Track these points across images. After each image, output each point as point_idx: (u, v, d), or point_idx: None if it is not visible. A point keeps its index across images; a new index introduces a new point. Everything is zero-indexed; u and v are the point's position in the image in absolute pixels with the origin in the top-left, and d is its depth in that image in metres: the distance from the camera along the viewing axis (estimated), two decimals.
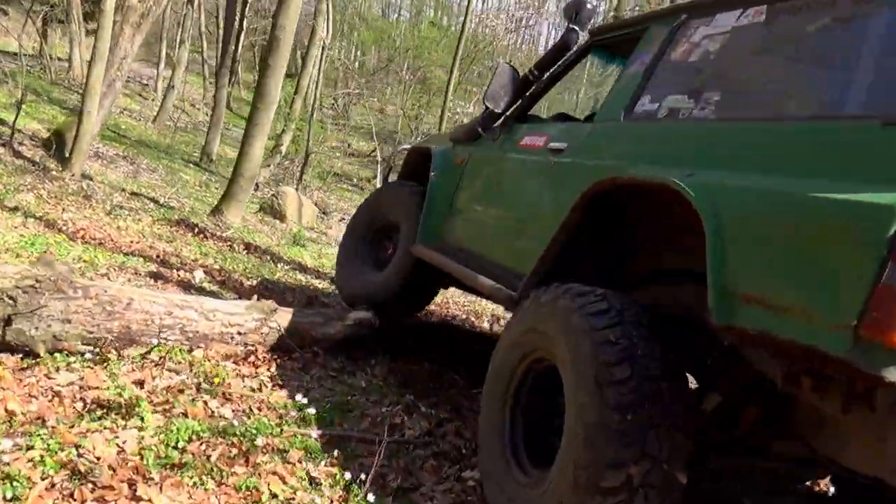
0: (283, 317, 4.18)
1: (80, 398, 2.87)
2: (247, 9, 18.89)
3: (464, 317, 6.30)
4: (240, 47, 16.65)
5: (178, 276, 5.35)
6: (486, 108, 3.80)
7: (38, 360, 3.16)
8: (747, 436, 2.39)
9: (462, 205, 4.00)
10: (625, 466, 1.98)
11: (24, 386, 2.86)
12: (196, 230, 7.89)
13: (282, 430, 2.89)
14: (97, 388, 3.01)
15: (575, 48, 3.66)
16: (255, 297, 4.36)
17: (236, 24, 17.33)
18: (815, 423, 2.08)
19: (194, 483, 2.42)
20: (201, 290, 5.15)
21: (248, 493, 2.43)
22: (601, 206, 2.59)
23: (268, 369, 3.71)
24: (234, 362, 3.76)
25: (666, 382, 2.11)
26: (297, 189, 12.74)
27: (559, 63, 3.74)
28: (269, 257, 7.39)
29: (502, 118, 3.85)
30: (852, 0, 2.28)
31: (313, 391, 3.50)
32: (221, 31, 24.55)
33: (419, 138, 19.30)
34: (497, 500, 2.54)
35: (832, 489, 3.10)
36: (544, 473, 2.39)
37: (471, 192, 3.95)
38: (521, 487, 2.46)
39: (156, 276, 5.19)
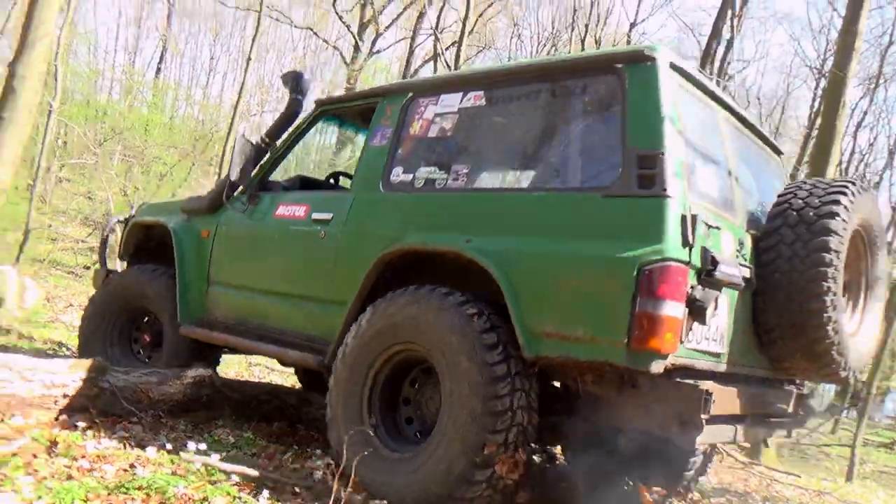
0: (116, 377, 3.55)
1: None
2: None
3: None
4: None
5: None
6: (229, 179, 3.83)
7: None
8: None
9: (223, 279, 3.94)
10: (502, 432, 2.55)
11: None
12: None
13: (188, 481, 2.45)
14: None
15: (305, 116, 3.95)
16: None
17: None
18: (595, 405, 2.81)
19: None
20: None
21: None
22: (387, 271, 3.04)
23: (113, 433, 3.10)
24: (66, 428, 3.08)
25: (527, 377, 2.67)
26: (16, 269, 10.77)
27: (292, 130, 3.97)
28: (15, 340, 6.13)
29: (245, 188, 3.89)
30: (550, 94, 2.97)
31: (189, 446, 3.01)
32: None
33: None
34: (370, 481, 2.76)
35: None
36: (413, 447, 2.80)
37: (230, 265, 3.92)
38: (389, 461, 2.78)
39: None
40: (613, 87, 2.71)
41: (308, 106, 4.06)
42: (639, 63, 2.67)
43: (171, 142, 22.73)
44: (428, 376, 2.96)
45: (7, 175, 7.85)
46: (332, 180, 4.43)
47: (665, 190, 2.45)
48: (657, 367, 2.39)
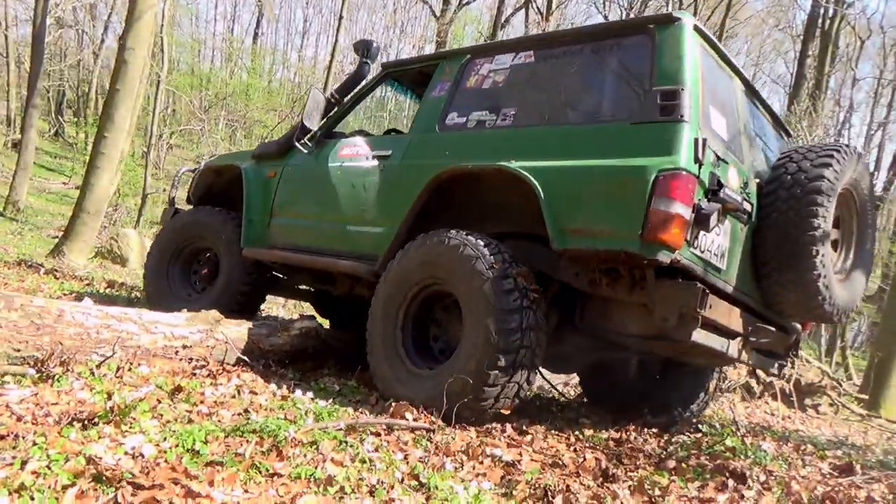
0: (229, 328, 3.76)
1: (45, 413, 2.34)
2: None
3: None
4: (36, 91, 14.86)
5: None
6: (302, 125, 4.28)
7: None
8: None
9: (285, 211, 4.45)
10: (513, 352, 3.00)
11: None
12: (43, 270, 6.87)
13: (298, 427, 2.56)
14: (56, 403, 2.48)
15: (369, 77, 4.44)
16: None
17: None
18: (605, 312, 3.27)
19: (244, 478, 2.06)
20: None
21: (312, 480, 2.12)
22: (438, 192, 3.51)
23: (229, 380, 3.29)
24: (186, 377, 3.29)
25: (533, 304, 3.09)
26: (137, 231, 11.59)
27: (358, 89, 4.47)
28: (138, 294, 6.61)
29: (313, 135, 4.36)
30: (591, 52, 3.45)
31: (297, 394, 3.16)
32: (15, 73, 22.09)
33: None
34: (391, 387, 3.31)
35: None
36: (436, 365, 3.30)
37: (294, 199, 4.43)
38: (414, 376, 3.30)
39: None
40: (645, 43, 3.19)
41: (375, 70, 4.57)
42: (667, 24, 3.17)
43: (271, 105, 23.49)
44: (454, 307, 3.33)
45: (125, 144, 8.39)
46: (390, 134, 4.86)
47: (682, 116, 2.93)
48: (664, 257, 2.83)
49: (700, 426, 3.89)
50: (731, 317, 3.20)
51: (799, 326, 3.90)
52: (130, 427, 2.29)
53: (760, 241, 3.33)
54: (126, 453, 2.10)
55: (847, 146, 3.38)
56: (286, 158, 4.53)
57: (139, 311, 3.46)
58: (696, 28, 3.17)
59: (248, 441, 2.34)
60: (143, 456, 2.09)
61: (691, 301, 2.89)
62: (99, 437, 2.17)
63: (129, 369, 3.03)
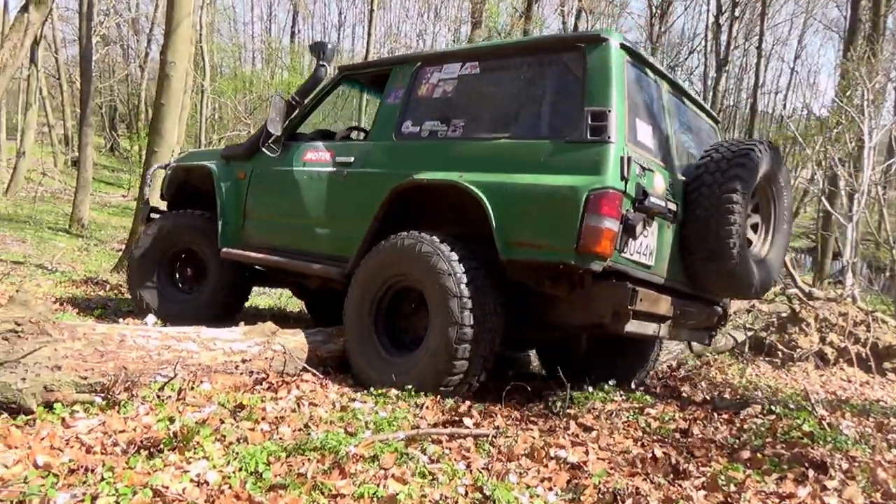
0: (286, 339, 3.79)
1: (113, 442, 2.39)
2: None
3: None
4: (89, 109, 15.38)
5: (128, 322, 4.73)
6: (266, 131, 4.55)
7: (33, 417, 2.61)
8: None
9: (257, 213, 4.72)
10: (474, 342, 3.41)
11: (41, 440, 2.34)
12: (109, 287, 7.10)
13: (358, 440, 2.56)
14: (124, 431, 2.53)
15: (327, 80, 4.68)
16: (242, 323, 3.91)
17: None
18: (549, 305, 3.64)
19: (307, 501, 2.06)
20: None
21: (375, 499, 2.10)
22: (399, 199, 3.84)
23: (288, 392, 3.32)
24: (248, 391, 3.34)
25: (494, 299, 3.52)
26: None
27: (317, 91, 4.69)
28: None
29: (277, 139, 4.61)
30: (530, 65, 3.77)
31: (357, 404, 3.16)
32: (68, 92, 22.88)
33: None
34: (366, 373, 3.70)
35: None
36: (407, 354, 3.69)
37: (264, 201, 4.71)
38: (387, 362, 3.68)
39: None
40: (578, 61, 3.53)
41: (332, 71, 4.91)
42: (596, 43, 3.50)
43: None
44: (420, 302, 3.69)
45: (177, 149, 8.57)
46: (350, 133, 4.99)
47: (609, 137, 3.28)
48: (597, 266, 3.24)
49: (773, 407, 3.74)
50: (661, 304, 3.56)
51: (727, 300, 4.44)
52: (195, 452, 2.32)
53: (686, 235, 3.71)
54: (191, 481, 2.13)
55: (760, 143, 3.75)
56: (254, 161, 4.77)
57: (197, 329, 3.52)
58: (623, 46, 3.51)
59: (309, 460, 2.35)
60: (207, 483, 2.12)
61: (623, 300, 3.29)
62: (164, 466, 2.20)
63: (192, 388, 3.09)
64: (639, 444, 2.97)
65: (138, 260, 5.13)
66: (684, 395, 4.49)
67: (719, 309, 4.32)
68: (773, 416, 3.48)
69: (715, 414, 3.62)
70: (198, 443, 2.36)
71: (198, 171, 5.17)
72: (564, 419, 3.26)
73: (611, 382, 4.09)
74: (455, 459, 2.53)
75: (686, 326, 4.02)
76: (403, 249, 3.65)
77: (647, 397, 3.93)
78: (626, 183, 3.25)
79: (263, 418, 2.84)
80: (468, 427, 2.89)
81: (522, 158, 3.51)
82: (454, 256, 3.50)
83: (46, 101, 22.60)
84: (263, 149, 4.55)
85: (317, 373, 3.70)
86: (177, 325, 4.66)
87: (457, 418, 2.99)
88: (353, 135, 5.08)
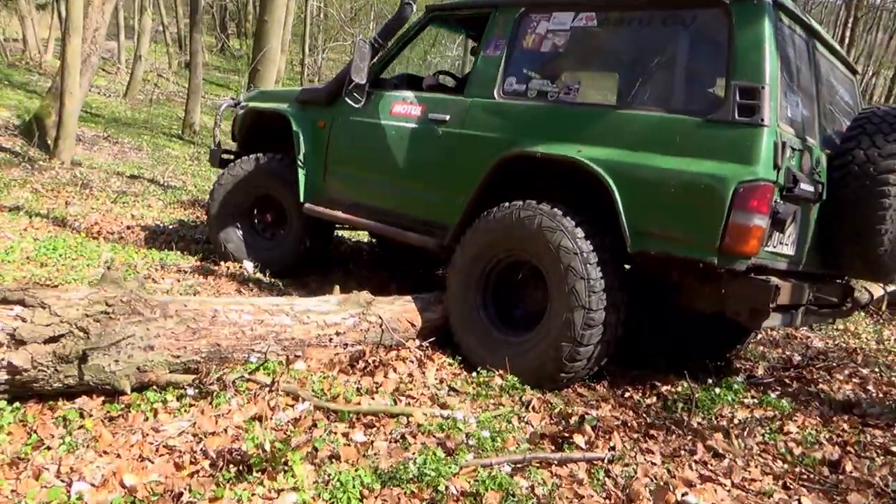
0: (382, 308, 3.56)
1: (202, 452, 2.25)
2: None
3: None
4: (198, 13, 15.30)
5: (227, 269, 4.67)
6: (349, 78, 4.03)
7: (126, 403, 2.52)
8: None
9: (341, 166, 4.33)
10: (601, 328, 3.13)
11: (130, 447, 2.22)
12: None
13: (459, 466, 2.30)
14: (214, 433, 2.39)
15: (414, 20, 4.21)
16: (337, 288, 3.69)
17: None
18: (675, 289, 3.25)
19: None
20: (258, 284, 4.50)
21: None
22: (501, 171, 3.47)
23: (385, 375, 3.11)
24: (342, 371, 3.16)
25: (619, 281, 3.20)
26: None
27: (402, 33, 4.25)
28: None
29: (361, 88, 4.11)
30: (660, 22, 3.22)
31: (460, 405, 2.91)
32: None
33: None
34: (477, 353, 3.43)
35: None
36: (521, 333, 3.39)
37: (348, 154, 4.30)
38: (498, 342, 3.41)
39: (203, 273, 4.51)
40: (720, 21, 3.00)
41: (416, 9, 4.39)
42: (745, 1, 2.94)
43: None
44: (533, 272, 3.38)
45: (281, 63, 8.36)
46: (438, 80, 4.56)
47: (763, 120, 2.81)
48: (741, 265, 2.88)
49: None
50: (800, 294, 3.25)
51: None
52: (284, 476, 2.14)
53: (829, 216, 3.35)
54: None
55: None
56: (335, 109, 4.37)
57: (290, 300, 3.34)
58: (776, 3, 2.97)
59: (405, 493, 2.12)
60: None
61: (764, 298, 2.91)
62: (252, 497, 2.03)
63: (287, 369, 2.93)
64: (780, 483, 2.56)
65: (217, 208, 4.89)
66: (821, 387, 3.96)
67: (843, 283, 3.94)
68: None
69: (866, 430, 3.13)
70: (286, 466, 2.17)
71: (271, 115, 4.82)
72: (689, 436, 2.87)
73: (738, 379, 3.64)
74: (567, 499, 2.23)
75: (817, 313, 3.71)
76: (520, 222, 3.29)
77: (784, 402, 3.45)
78: (778, 172, 2.83)
79: (357, 419, 2.64)
80: (580, 448, 2.57)
81: (652, 135, 3.05)
82: (579, 233, 3.15)
83: (161, 0, 22.91)
84: (347, 99, 4.13)
85: (413, 349, 3.46)
86: (262, 267, 4.70)
87: (566, 434, 2.67)
88: (442, 81, 4.65)
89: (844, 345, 5.34)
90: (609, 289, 3.12)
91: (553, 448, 2.61)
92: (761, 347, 4.93)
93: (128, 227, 5.75)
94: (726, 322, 3.82)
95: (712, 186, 2.80)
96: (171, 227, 6.06)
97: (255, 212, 4.98)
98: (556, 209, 3.23)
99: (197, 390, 2.66)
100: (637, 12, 3.32)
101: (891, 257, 3.35)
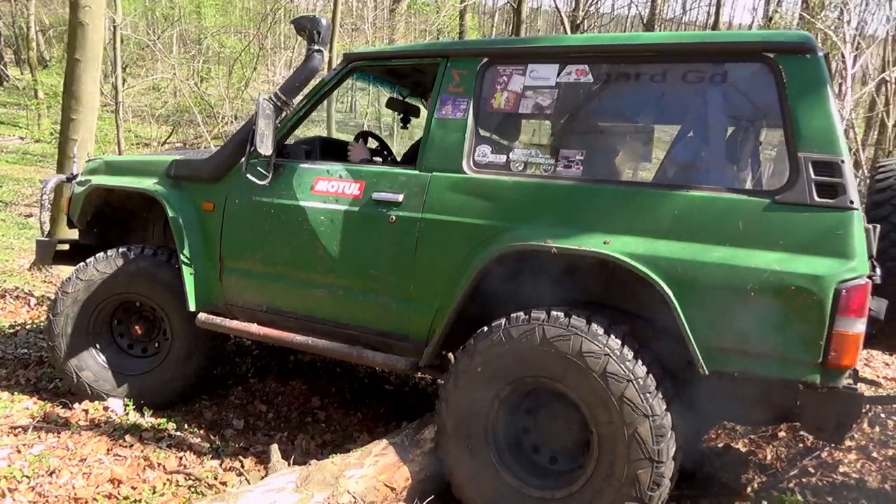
0: (354, 481, 2.60)
1: None
2: None
3: None
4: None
5: (84, 413, 3.44)
6: (251, 149, 3.18)
7: None
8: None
9: (246, 262, 3.35)
10: (670, 457, 2.45)
11: None
12: (34, 301, 5.59)
13: None
14: None
15: (331, 71, 3.40)
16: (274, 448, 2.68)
17: None
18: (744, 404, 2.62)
19: None
20: (137, 432, 3.32)
21: None
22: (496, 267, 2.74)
23: None
24: None
25: (670, 410, 2.47)
26: None
27: (314, 88, 3.42)
28: None
29: (265, 159, 3.25)
30: (680, 78, 2.65)
31: None
32: None
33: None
34: None
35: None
36: (553, 481, 2.65)
37: (256, 245, 3.31)
38: (526, 498, 2.64)
39: (51, 427, 3.26)
40: (764, 78, 2.49)
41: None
42: (797, 54, 2.45)
43: (226, 24, 20.99)
44: (556, 400, 2.70)
45: (95, 104, 6.85)
46: (365, 144, 3.74)
47: (852, 202, 2.33)
48: (843, 381, 2.34)
49: None
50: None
51: None
52: None
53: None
54: None
55: None
56: (226, 185, 3.41)
57: (221, 497, 2.31)
58: (826, 57, 2.51)
59: None
60: None
61: (852, 410, 2.41)
62: None
63: None
64: None
65: (64, 325, 3.66)
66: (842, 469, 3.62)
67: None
68: None
69: None
70: None
71: (128, 196, 3.77)
72: None
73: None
74: None
75: None
76: (547, 344, 2.53)
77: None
78: (872, 264, 2.43)
79: None
80: None
81: (706, 221, 2.44)
82: (628, 353, 2.46)
83: None
84: (249, 175, 3.22)
85: None
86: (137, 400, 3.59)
87: None
88: (369, 144, 3.80)
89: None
90: (675, 426, 2.47)
91: None
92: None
93: None
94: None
95: (806, 289, 2.25)
96: None
97: (116, 323, 3.78)
98: (594, 324, 2.52)
99: None
100: (645, 65, 2.73)
101: None
